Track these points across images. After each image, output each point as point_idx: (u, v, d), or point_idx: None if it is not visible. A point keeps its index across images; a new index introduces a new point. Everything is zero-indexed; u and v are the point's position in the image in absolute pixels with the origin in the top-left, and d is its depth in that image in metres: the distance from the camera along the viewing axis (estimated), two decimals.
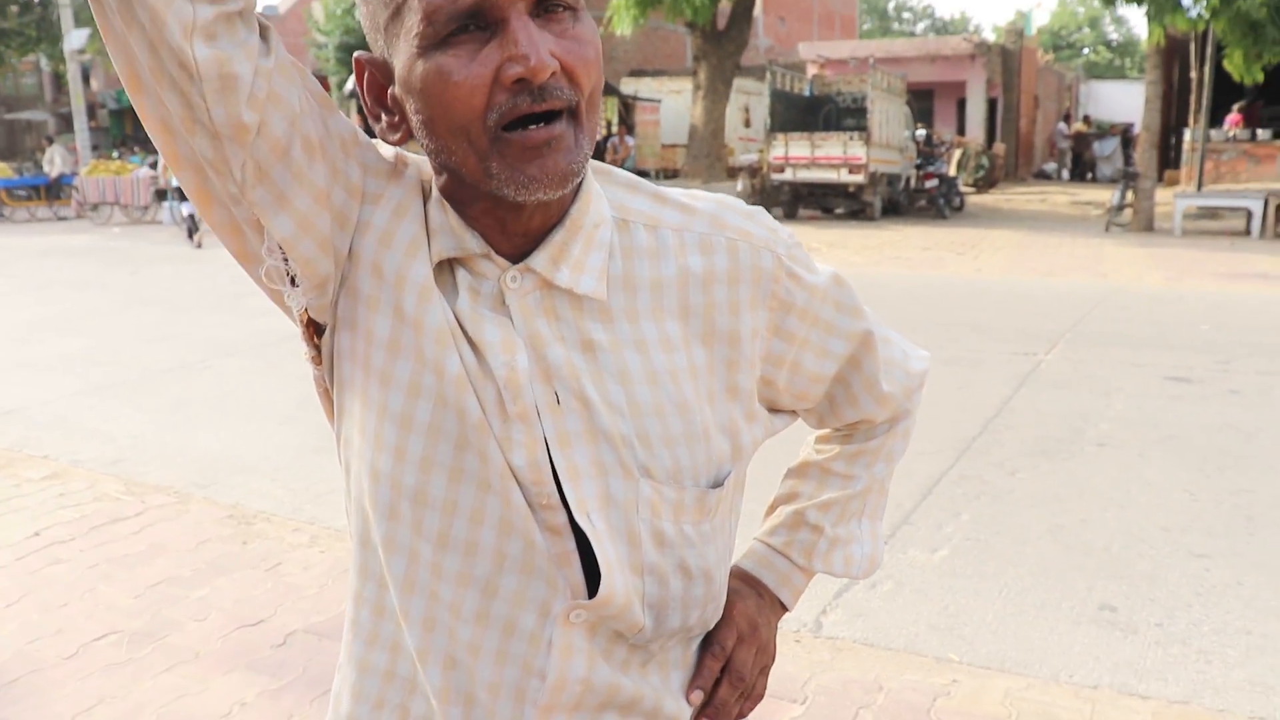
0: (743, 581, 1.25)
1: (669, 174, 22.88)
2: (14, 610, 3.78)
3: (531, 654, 1.03)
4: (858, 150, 18.18)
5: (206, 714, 3.08)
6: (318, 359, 1.08)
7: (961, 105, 30.10)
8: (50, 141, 27.03)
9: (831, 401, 1.20)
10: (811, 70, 26.37)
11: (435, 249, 1.00)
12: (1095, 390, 6.81)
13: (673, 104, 23.81)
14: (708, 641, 1.17)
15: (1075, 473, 5.25)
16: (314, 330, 1.07)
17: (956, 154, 24.43)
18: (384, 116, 1.00)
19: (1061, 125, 33.30)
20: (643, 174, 22.51)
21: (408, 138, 1.00)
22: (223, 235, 0.99)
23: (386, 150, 1.05)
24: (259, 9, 0.92)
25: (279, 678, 3.28)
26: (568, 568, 1.01)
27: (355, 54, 1.00)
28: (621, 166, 16.99)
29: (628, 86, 24.32)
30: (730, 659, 1.17)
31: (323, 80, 28.02)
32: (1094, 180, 30.11)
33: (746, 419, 1.09)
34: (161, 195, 20.50)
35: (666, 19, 21.63)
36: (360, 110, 1.01)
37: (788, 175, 18.95)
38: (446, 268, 1.01)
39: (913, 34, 69.52)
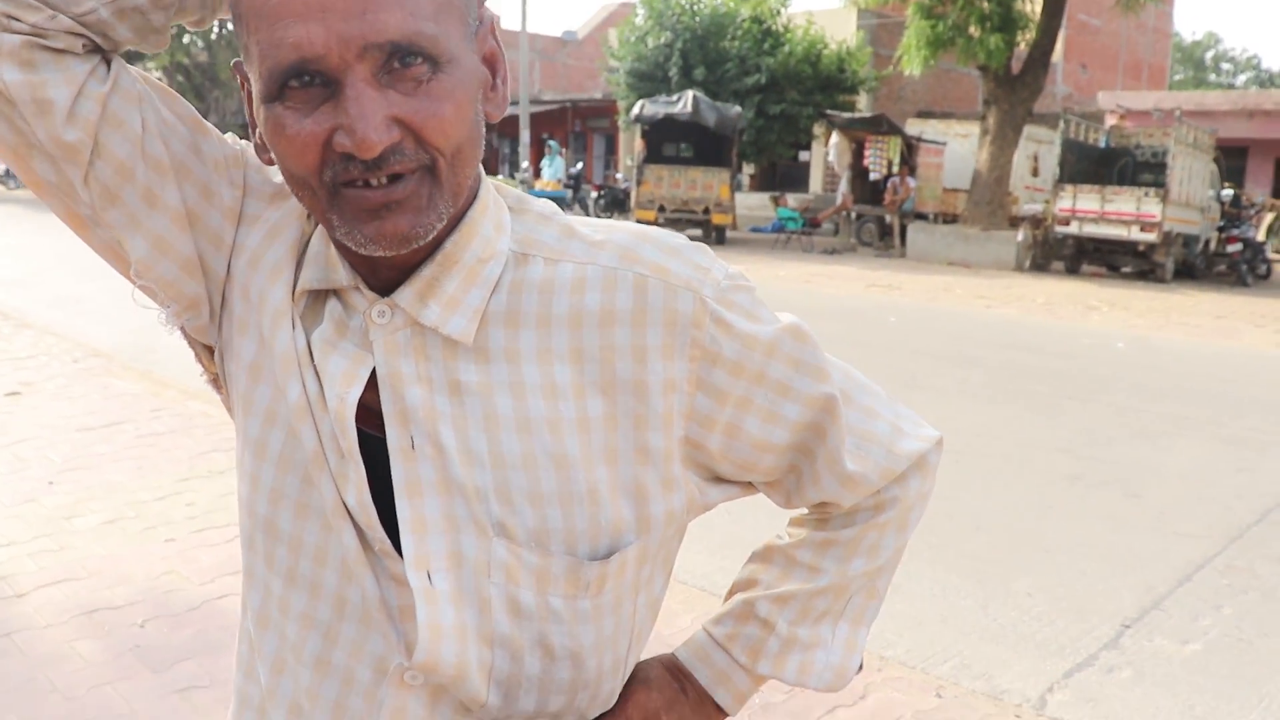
0: (665, 670, 1.10)
1: (948, 218, 22.22)
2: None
3: (367, 711, 0.95)
4: (1152, 207, 17.03)
5: None
6: (216, 383, 1.06)
7: None
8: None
9: (797, 476, 1.04)
10: (1110, 120, 24.99)
11: (304, 277, 0.95)
12: None
13: (958, 147, 23.14)
14: None
15: None
16: (209, 354, 1.05)
17: (1268, 218, 22.45)
18: (258, 134, 0.93)
19: None
20: (920, 217, 21.98)
21: (273, 162, 0.93)
22: (106, 257, 1.00)
23: (278, 175, 0.99)
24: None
25: None
26: (409, 622, 0.92)
27: (234, 62, 0.96)
28: (900, 208, 16.64)
29: (913, 127, 23.82)
30: None
31: (612, 104, 29.05)
32: None
33: (662, 485, 0.95)
34: None
35: (959, 62, 21.07)
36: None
37: (1073, 229, 18.00)
38: (320, 297, 0.96)
39: (1231, 86, 64.67)
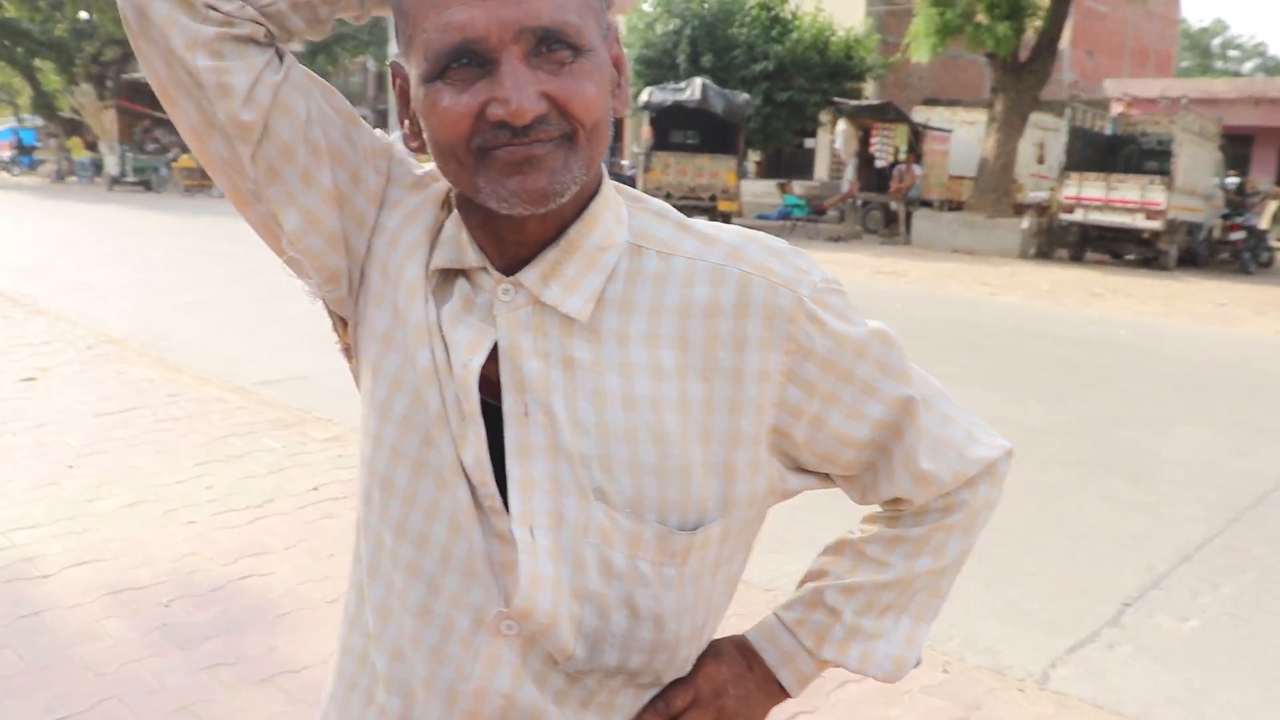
0: (735, 648, 1.16)
1: (953, 205, 22.23)
2: (290, 553, 4.20)
3: (464, 658, 1.02)
4: (1157, 195, 17.07)
5: None
6: (348, 352, 1.15)
7: None
8: None
9: (874, 473, 1.11)
10: (1116, 108, 24.97)
11: (437, 258, 1.04)
12: None
13: (964, 135, 23.12)
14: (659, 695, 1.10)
15: None
16: (343, 325, 1.14)
17: (1272, 205, 22.45)
18: (407, 124, 1.04)
19: None
20: (926, 204, 22.00)
21: (425, 149, 1.03)
22: (262, 234, 1.09)
23: (419, 168, 1.12)
24: None
25: None
26: (509, 576, 1.00)
27: (390, 59, 1.06)
28: (906, 195, 16.62)
29: (919, 115, 23.80)
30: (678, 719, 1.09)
31: None
32: None
33: (749, 468, 1.03)
34: None
35: (966, 49, 21.07)
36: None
37: (1077, 216, 18.04)
38: (450, 277, 1.05)
39: (1238, 74, 64.43)
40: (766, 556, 4.27)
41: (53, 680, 3.16)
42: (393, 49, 1.09)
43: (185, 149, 30.90)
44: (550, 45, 0.92)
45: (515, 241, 1.01)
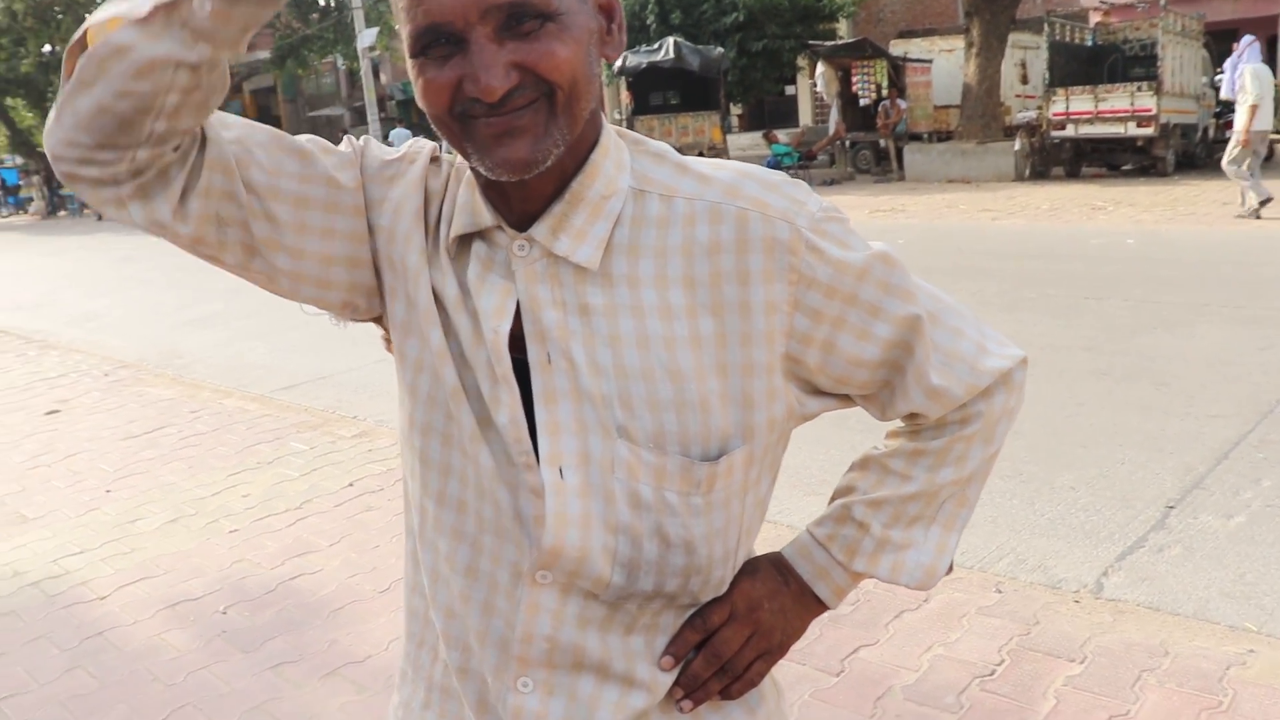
0: (770, 565, 1.21)
1: (942, 135, 22.06)
2: (335, 549, 4.24)
3: (509, 609, 1.09)
4: (1147, 101, 16.91)
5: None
6: (388, 345, 1.20)
7: (1273, 44, 27.37)
8: (345, 133, 29.29)
9: (890, 390, 1.13)
10: (1094, 18, 24.73)
11: (455, 224, 1.08)
12: None
13: (944, 64, 22.91)
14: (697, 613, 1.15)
15: None
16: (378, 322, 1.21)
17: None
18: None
19: None
20: (915, 138, 21.86)
21: None
22: (293, 296, 1.12)
23: (390, 154, 1.14)
24: None
25: None
26: (540, 529, 1.04)
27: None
28: (894, 131, 16.53)
29: (897, 48, 23.57)
30: (715, 635, 1.14)
31: None
32: None
33: (765, 396, 1.06)
34: None
35: None
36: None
37: (1069, 132, 17.89)
38: (467, 242, 1.09)
39: None
40: (807, 499, 4.29)
41: (126, 695, 3.21)
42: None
43: None
44: (519, 18, 0.94)
45: (521, 198, 1.05)
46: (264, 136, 1.06)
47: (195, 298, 11.50)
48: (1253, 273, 8.78)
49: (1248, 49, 12.68)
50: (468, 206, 1.08)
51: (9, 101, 34.65)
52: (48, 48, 33.14)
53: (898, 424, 1.22)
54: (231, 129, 1.05)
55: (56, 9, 31.66)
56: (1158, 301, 7.88)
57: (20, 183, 36.54)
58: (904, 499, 1.17)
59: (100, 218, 27.93)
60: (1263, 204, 11.83)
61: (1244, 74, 12.21)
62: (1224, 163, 12.40)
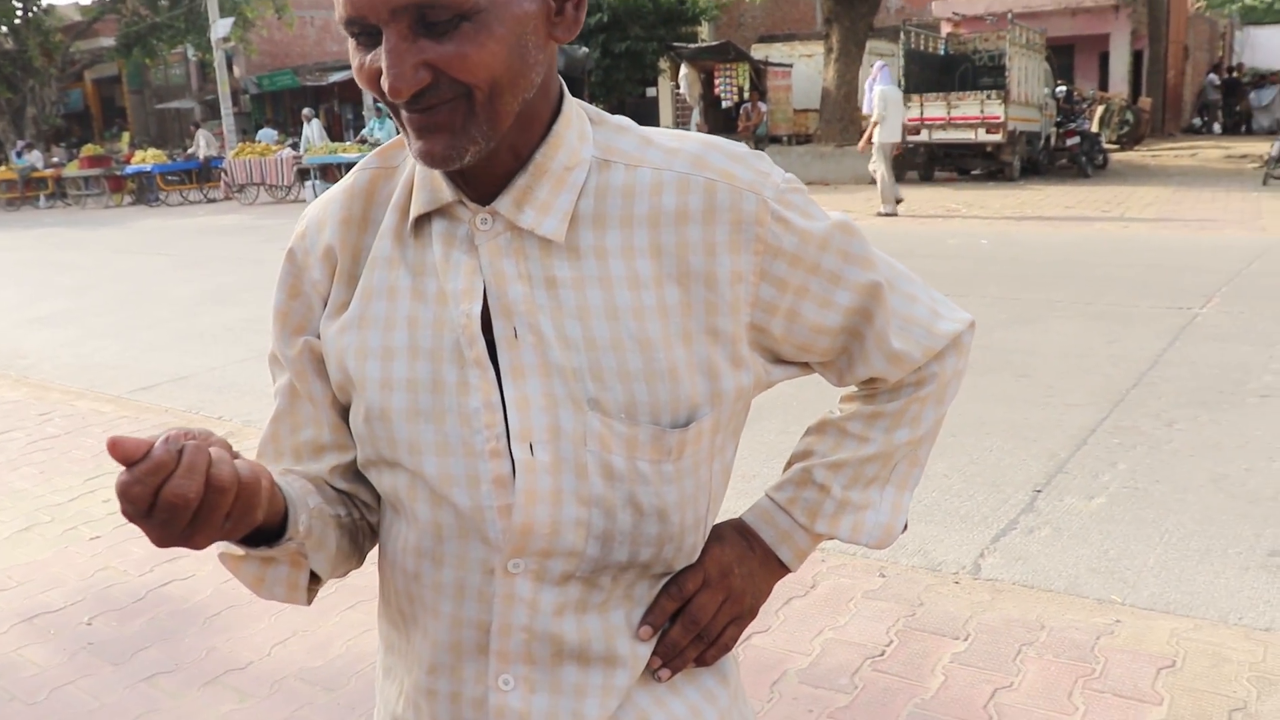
0: (734, 531, 1.22)
1: (801, 139, 22.58)
2: (209, 554, 4.02)
3: (481, 609, 1.07)
4: (995, 109, 17.66)
5: None
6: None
7: (1104, 59, 28.89)
8: (197, 127, 28.26)
9: (848, 356, 1.15)
10: (946, 29, 25.69)
11: (416, 201, 1.07)
12: (1256, 343, 6.55)
13: (804, 68, 23.47)
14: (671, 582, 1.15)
15: (1237, 424, 5.08)
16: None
17: (1099, 110, 23.52)
18: None
19: (1211, 76, 31.68)
20: (775, 140, 22.31)
21: None
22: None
23: (281, 286, 1.16)
24: None
25: None
26: (506, 519, 1.03)
27: None
28: (754, 133, 16.92)
29: (758, 52, 24.06)
30: (690, 602, 1.14)
31: None
32: (1249, 133, 28.60)
33: (731, 363, 1.06)
34: (304, 174, 21.25)
35: None
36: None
37: (923, 137, 18.54)
38: (424, 224, 1.08)
39: None
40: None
41: None
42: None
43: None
44: (429, 19, 0.92)
45: (483, 172, 1.03)
46: (297, 393, 1.15)
47: (39, 294, 10.92)
48: (1098, 272, 9.25)
49: (880, 72, 14.68)
50: (426, 183, 1.06)
51: None
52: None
53: (852, 389, 1.24)
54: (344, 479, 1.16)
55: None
56: (1014, 298, 8.21)
57: None
58: (862, 460, 1.19)
59: None
60: (897, 203, 14.20)
61: (876, 94, 14.23)
62: (869, 166, 14.65)
